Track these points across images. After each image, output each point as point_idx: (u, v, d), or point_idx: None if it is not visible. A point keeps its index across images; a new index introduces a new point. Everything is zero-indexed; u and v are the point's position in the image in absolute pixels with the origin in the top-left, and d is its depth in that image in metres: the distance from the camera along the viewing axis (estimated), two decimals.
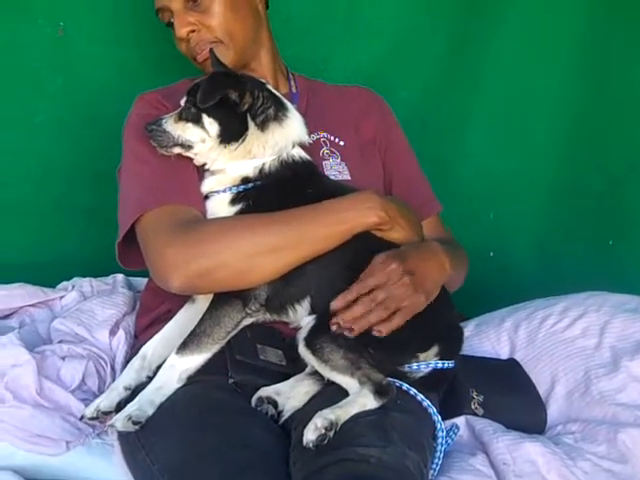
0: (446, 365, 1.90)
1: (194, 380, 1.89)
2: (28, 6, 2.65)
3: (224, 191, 1.96)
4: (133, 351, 2.18)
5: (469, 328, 2.41)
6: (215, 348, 1.88)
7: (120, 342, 2.21)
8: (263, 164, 1.95)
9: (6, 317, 2.34)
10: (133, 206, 1.97)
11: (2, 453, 1.92)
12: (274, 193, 1.95)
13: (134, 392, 1.91)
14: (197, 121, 1.93)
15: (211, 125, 1.92)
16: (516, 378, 2.19)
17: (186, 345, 1.86)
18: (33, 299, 2.38)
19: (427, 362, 1.88)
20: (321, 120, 2.27)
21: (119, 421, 1.79)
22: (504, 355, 2.32)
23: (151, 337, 2.11)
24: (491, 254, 3.07)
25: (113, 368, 2.16)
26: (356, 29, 2.90)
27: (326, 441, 1.66)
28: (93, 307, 2.29)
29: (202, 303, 1.97)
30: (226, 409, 1.84)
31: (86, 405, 2.00)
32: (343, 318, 1.82)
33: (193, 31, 2.16)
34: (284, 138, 1.98)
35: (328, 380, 1.86)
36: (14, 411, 1.94)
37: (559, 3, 2.89)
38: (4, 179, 2.73)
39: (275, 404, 1.89)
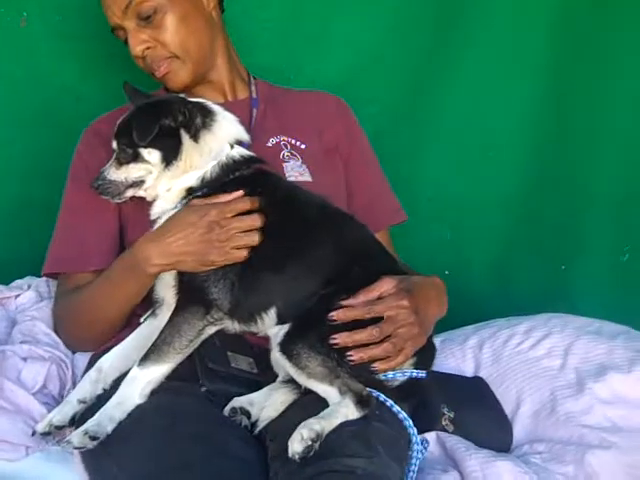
0: (420, 375, 1.88)
1: (162, 387, 1.83)
2: None
3: (175, 207, 1.94)
4: (92, 357, 2.10)
5: None
6: (177, 358, 1.83)
7: None
8: (204, 172, 1.94)
9: None
10: (50, 260, 2.19)
11: None
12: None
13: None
14: (136, 158, 1.92)
15: (151, 155, 1.92)
16: (483, 396, 2.20)
17: (147, 356, 1.82)
18: None
19: (403, 371, 1.87)
20: (282, 124, 2.28)
21: (76, 437, 1.74)
22: (469, 372, 2.33)
23: (110, 344, 2.06)
24: (446, 272, 3.07)
25: (74, 372, 2.09)
26: (327, 41, 2.88)
27: (312, 452, 1.62)
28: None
29: (163, 318, 1.93)
30: (199, 418, 1.80)
31: (48, 410, 1.94)
32: (344, 340, 1.78)
33: (148, 48, 2.16)
34: (217, 142, 1.96)
35: (305, 389, 1.83)
36: None
37: (526, 23, 2.91)
38: None
39: (248, 414, 1.85)
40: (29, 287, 2.36)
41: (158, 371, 1.81)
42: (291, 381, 1.86)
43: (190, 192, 1.94)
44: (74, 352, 2.14)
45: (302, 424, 1.66)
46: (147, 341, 1.89)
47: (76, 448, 1.75)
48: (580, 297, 3.00)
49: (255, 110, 2.27)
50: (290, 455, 1.62)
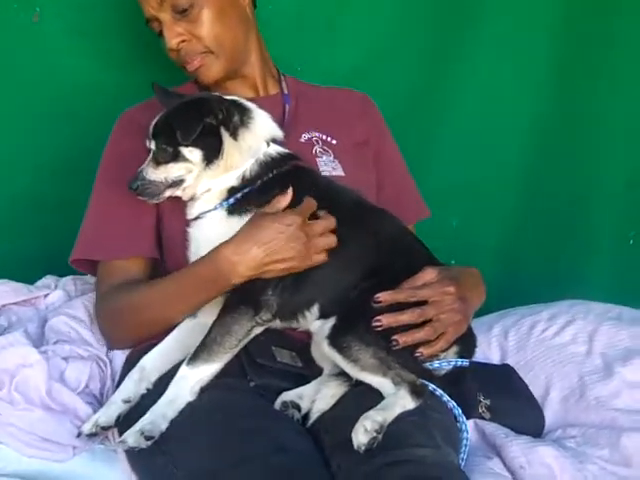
0: (464, 363, 1.92)
1: (212, 384, 1.83)
2: None
3: (215, 208, 1.94)
4: (130, 355, 2.10)
5: None
6: (227, 357, 1.82)
7: None
8: (244, 171, 1.94)
9: None
10: (83, 244, 2.14)
11: (8, 457, 1.84)
12: (264, 194, 1.93)
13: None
14: (177, 157, 1.90)
15: (192, 153, 1.90)
16: (514, 383, 2.23)
17: (197, 355, 1.81)
18: (18, 297, 2.25)
19: (448, 360, 1.91)
20: (313, 120, 2.29)
21: (131, 437, 1.72)
22: (495, 360, 2.37)
23: (147, 343, 2.05)
24: (452, 261, 3.10)
25: (112, 370, 2.08)
26: (336, 33, 2.90)
27: (375, 444, 1.64)
28: (86, 304, 2.21)
29: (203, 317, 1.94)
30: (252, 413, 1.81)
31: (93, 409, 1.94)
32: (387, 320, 1.81)
33: (183, 41, 2.14)
34: (255, 140, 1.96)
35: (356, 381, 1.85)
36: (24, 414, 1.85)
37: (534, 20, 2.97)
38: None
39: (299, 408, 1.87)
40: (56, 286, 2.36)
41: (208, 370, 1.81)
42: (341, 374, 1.88)
43: (232, 192, 1.93)
44: (111, 349, 2.13)
45: (363, 416, 1.68)
46: (188, 340, 1.89)
47: (131, 448, 1.73)
48: (589, 285, 3.05)
49: (287, 106, 2.28)
50: (355, 447, 1.64)
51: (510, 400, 2.17)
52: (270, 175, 1.94)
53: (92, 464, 1.91)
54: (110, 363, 2.09)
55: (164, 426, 1.75)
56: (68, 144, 2.66)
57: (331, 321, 1.87)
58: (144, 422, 1.74)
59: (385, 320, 1.81)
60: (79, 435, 1.84)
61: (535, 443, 1.99)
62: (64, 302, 2.27)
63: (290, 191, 1.89)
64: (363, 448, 1.64)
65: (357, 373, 1.82)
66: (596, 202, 3.10)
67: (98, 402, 2.02)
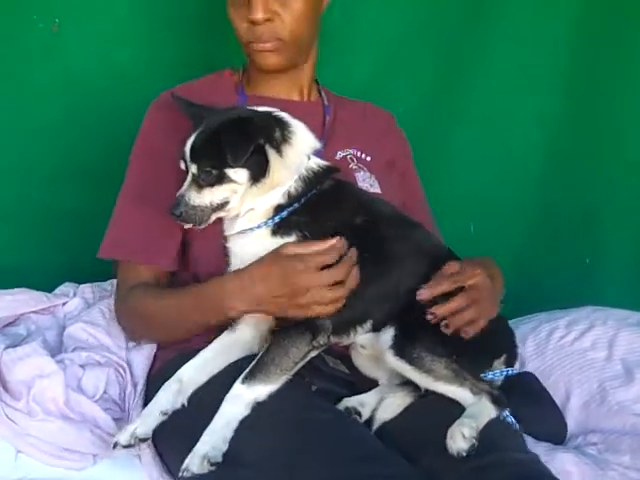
0: (514, 372, 1.96)
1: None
2: (24, 0, 2.55)
3: (259, 227, 1.88)
4: (156, 367, 2.10)
5: None
6: (282, 379, 1.77)
7: (138, 350, 2.12)
8: (288, 188, 1.88)
9: (11, 324, 2.21)
10: (110, 243, 2.12)
11: (29, 466, 1.84)
12: (309, 212, 1.89)
13: None
14: (222, 179, 1.81)
15: (237, 174, 1.82)
16: (535, 390, 2.21)
17: (253, 374, 1.76)
18: (37, 305, 2.25)
19: (500, 370, 1.93)
20: (348, 135, 2.25)
21: (195, 464, 1.65)
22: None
23: (171, 350, 2.06)
24: None
25: (133, 375, 2.07)
26: (350, 42, 2.88)
27: (474, 450, 1.68)
28: (104, 310, 2.20)
29: (242, 332, 1.91)
30: (320, 408, 1.81)
31: (112, 415, 1.94)
32: (440, 311, 1.83)
33: (269, 19, 2.08)
34: (298, 155, 1.90)
35: (426, 391, 1.86)
36: (42, 425, 1.84)
37: (547, 23, 2.96)
38: None
39: (360, 415, 1.89)
40: (74, 294, 2.36)
41: (264, 390, 1.76)
42: (406, 384, 1.89)
43: (278, 210, 1.87)
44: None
45: (457, 423, 1.72)
46: (225, 354, 1.87)
47: (195, 475, 1.66)
48: (606, 289, 3.04)
49: (328, 117, 2.25)
50: (454, 453, 1.68)
51: (532, 408, 2.13)
52: (314, 191, 1.89)
53: (113, 471, 1.90)
54: (129, 368, 2.09)
55: (225, 448, 1.69)
56: (86, 153, 2.67)
57: (389, 332, 1.86)
58: (206, 447, 1.68)
59: (438, 311, 1.82)
60: (115, 446, 1.76)
61: (556, 450, 2.00)
62: (82, 309, 2.27)
63: (332, 242, 1.82)
64: (464, 454, 1.67)
65: (431, 383, 1.82)
66: (616, 207, 3.07)
67: (119, 408, 2.02)
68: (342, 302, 1.82)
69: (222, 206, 1.85)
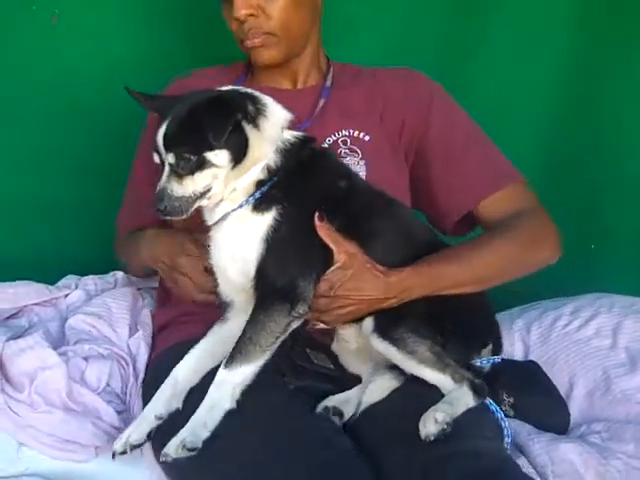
0: (497, 360, 1.94)
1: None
2: None
3: (240, 206, 1.82)
4: (153, 356, 2.12)
5: None
6: (265, 356, 1.75)
7: (140, 343, 2.14)
8: (267, 162, 1.82)
9: (13, 316, 2.23)
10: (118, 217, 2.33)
11: (31, 459, 1.85)
12: (289, 185, 1.83)
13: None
14: (202, 164, 1.74)
15: (218, 157, 1.74)
16: (538, 379, 2.19)
17: (233, 357, 1.74)
18: (40, 297, 2.27)
19: (487, 358, 1.91)
20: (347, 116, 2.18)
21: (172, 449, 1.66)
22: (518, 356, 2.35)
23: (169, 338, 2.07)
24: None
25: (135, 368, 2.09)
26: (352, 32, 2.85)
27: (442, 436, 1.67)
28: (107, 301, 2.22)
29: (234, 321, 1.89)
30: (296, 411, 1.81)
31: (114, 407, 1.96)
32: None
33: (252, 15, 2.05)
34: (274, 127, 1.83)
35: (410, 376, 1.84)
36: (44, 416, 1.86)
37: (547, 13, 2.92)
38: None
39: (341, 414, 1.86)
40: (76, 286, 2.37)
41: (246, 371, 1.74)
42: (391, 368, 1.87)
43: (259, 185, 1.82)
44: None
45: (432, 408, 1.71)
46: (218, 348, 1.86)
47: (173, 460, 1.66)
48: (611, 276, 3.02)
49: (323, 100, 2.18)
50: (423, 437, 1.67)
51: (534, 397, 2.13)
52: (292, 163, 1.84)
53: (115, 464, 1.87)
54: (133, 361, 2.10)
55: (205, 435, 1.68)
56: (86, 145, 2.68)
57: (370, 318, 1.85)
58: (185, 433, 1.68)
59: None
60: (113, 455, 1.77)
61: (558, 440, 1.98)
62: (84, 301, 2.28)
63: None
64: (432, 438, 1.66)
65: (414, 367, 1.80)
66: (619, 193, 3.04)
67: (121, 400, 2.03)
68: None
69: (204, 194, 1.77)
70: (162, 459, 1.67)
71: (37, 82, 2.64)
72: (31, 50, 2.60)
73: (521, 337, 2.38)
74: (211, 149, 1.73)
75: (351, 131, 2.17)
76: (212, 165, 1.75)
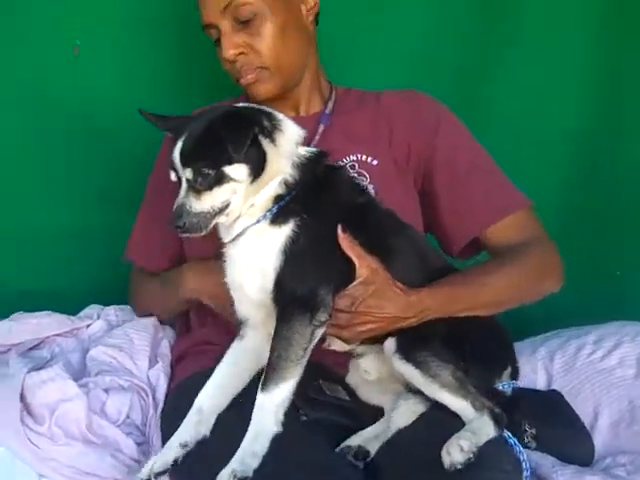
0: (518, 385, 1.92)
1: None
2: (45, 23, 2.58)
3: (258, 221, 1.81)
4: (172, 386, 2.12)
5: None
6: (298, 370, 1.72)
7: (160, 374, 2.14)
8: (284, 177, 1.81)
9: (35, 347, 2.24)
10: (127, 247, 2.35)
11: None
12: (310, 197, 1.83)
13: None
14: (221, 179, 1.73)
15: (236, 171, 1.74)
16: (562, 410, 2.18)
17: (268, 379, 1.71)
18: (61, 328, 2.28)
19: (508, 382, 1.89)
20: (352, 141, 2.17)
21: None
22: (541, 385, 2.32)
23: (188, 368, 2.07)
24: None
25: (155, 399, 2.09)
26: (370, 50, 2.85)
27: (467, 465, 1.64)
28: (128, 332, 2.22)
29: (250, 338, 1.89)
30: (308, 445, 1.77)
31: (134, 440, 1.96)
32: None
33: (241, 53, 2.07)
34: (289, 142, 1.83)
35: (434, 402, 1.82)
36: (65, 449, 1.87)
37: (566, 37, 2.90)
38: (15, 203, 2.66)
39: (367, 453, 1.82)
40: (98, 316, 2.38)
41: (284, 390, 1.71)
42: (415, 393, 1.85)
43: (277, 200, 1.80)
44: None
45: (456, 436, 1.68)
46: (240, 365, 1.85)
47: None
48: (636, 303, 2.97)
49: (322, 126, 2.18)
50: (447, 465, 1.64)
51: (557, 429, 2.11)
52: (309, 177, 1.83)
53: None
54: (152, 392, 2.10)
55: (255, 464, 1.64)
56: (108, 175, 2.69)
57: (392, 339, 1.83)
58: (235, 463, 1.64)
59: None
60: None
61: (582, 473, 1.95)
62: (106, 332, 2.29)
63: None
64: (459, 467, 1.64)
65: (435, 391, 1.78)
66: None
67: (141, 432, 2.03)
68: None
69: (223, 209, 1.76)
70: None
71: (60, 113, 2.65)
72: (53, 81, 2.62)
73: (544, 366, 2.35)
74: (230, 163, 1.72)
75: (359, 156, 2.16)
76: (231, 179, 1.74)
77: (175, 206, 1.75)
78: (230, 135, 1.71)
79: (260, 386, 1.72)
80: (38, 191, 2.68)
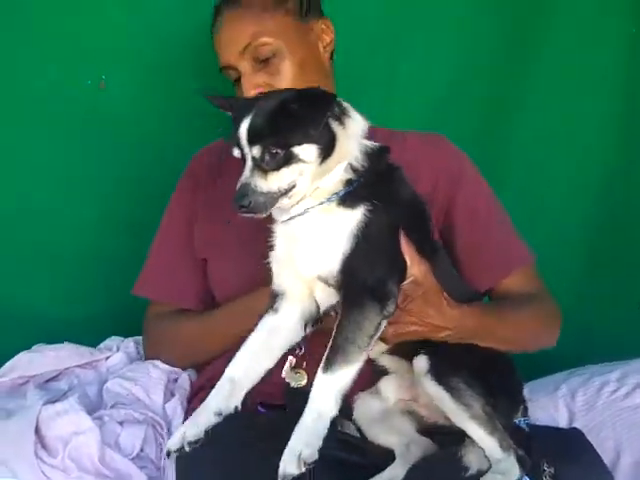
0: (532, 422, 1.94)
1: (269, 450, 1.72)
2: (71, 58, 2.63)
3: (321, 203, 1.76)
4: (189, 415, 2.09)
5: None
6: (362, 357, 1.69)
7: (176, 408, 2.14)
8: (349, 162, 1.76)
9: (53, 378, 2.25)
10: (141, 283, 2.32)
11: None
12: (380, 185, 1.80)
13: None
14: (289, 159, 1.68)
15: (306, 151, 1.68)
16: (582, 449, 2.11)
17: (332, 360, 1.67)
18: (81, 360, 2.28)
19: (523, 419, 1.90)
20: None
21: (291, 465, 1.57)
22: (562, 423, 2.29)
23: (204, 399, 2.05)
24: None
25: (170, 432, 2.08)
26: (394, 85, 2.88)
27: None
28: (147, 365, 2.23)
29: (284, 312, 1.84)
30: None
31: (147, 473, 1.95)
32: None
33: (261, 93, 2.06)
34: (357, 126, 1.79)
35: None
36: None
37: (594, 55, 2.91)
38: (41, 234, 2.68)
39: None
40: (118, 349, 2.38)
41: (347, 374, 1.67)
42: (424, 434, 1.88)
43: (347, 184, 1.76)
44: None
45: (487, 478, 1.70)
46: (272, 339, 1.82)
47: (292, 476, 1.57)
48: None
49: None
50: None
51: (578, 468, 2.03)
52: (375, 166, 1.79)
53: None
54: (168, 425, 2.10)
55: (319, 445, 1.59)
56: (132, 206, 2.73)
57: (423, 358, 1.82)
58: (299, 446, 1.58)
59: None
60: (169, 455, 1.69)
61: None
62: (125, 364, 2.30)
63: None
64: None
65: (464, 420, 1.77)
66: None
67: (155, 466, 2.03)
68: None
69: (288, 190, 1.71)
70: (284, 478, 1.58)
71: (89, 147, 2.69)
72: (80, 115, 2.66)
73: (565, 403, 2.32)
74: (299, 143, 1.67)
75: None
76: (299, 160, 1.69)
77: (239, 185, 1.70)
78: (307, 112, 1.67)
79: (322, 366, 1.68)
80: (62, 224, 2.71)
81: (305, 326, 1.85)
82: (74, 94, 2.64)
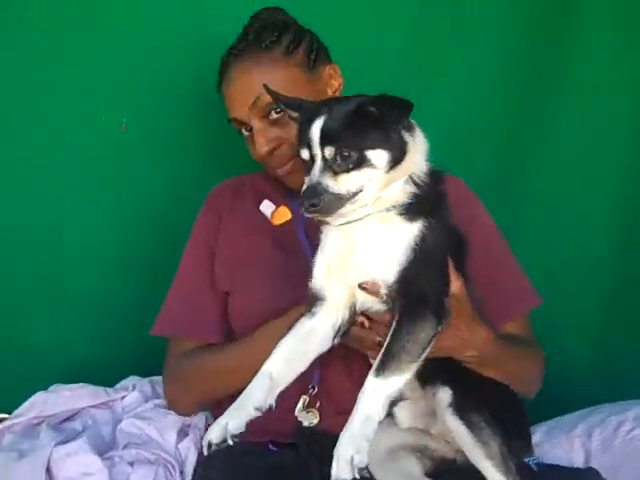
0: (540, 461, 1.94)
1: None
2: (92, 102, 2.67)
3: (380, 212, 1.76)
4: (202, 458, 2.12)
5: (538, 434, 2.37)
6: (413, 368, 1.69)
7: (190, 447, 2.15)
8: (412, 175, 1.77)
9: (68, 419, 2.28)
10: (163, 321, 2.31)
11: None
12: (437, 203, 1.82)
13: None
14: (361, 163, 1.68)
15: (378, 156, 1.69)
16: None
17: (385, 365, 1.66)
18: (96, 400, 2.32)
19: (532, 458, 1.91)
20: None
21: (343, 471, 1.55)
22: (578, 463, 2.27)
23: None
24: (556, 352, 2.95)
25: (183, 473, 2.10)
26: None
27: None
28: (159, 405, 2.27)
29: (321, 317, 1.83)
30: None
31: None
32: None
33: (274, 148, 2.12)
34: (423, 141, 1.80)
35: None
36: None
37: (605, 126, 2.91)
38: (62, 274, 2.74)
39: None
40: (134, 388, 2.41)
41: (398, 382, 1.67)
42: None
43: (410, 196, 1.76)
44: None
45: None
46: (308, 343, 1.82)
47: None
48: None
49: None
50: None
51: None
52: (434, 184, 1.81)
53: None
54: (181, 465, 2.12)
55: (367, 448, 1.58)
56: (150, 248, 2.77)
57: (445, 390, 1.82)
58: (350, 451, 1.57)
59: None
60: (210, 447, 1.66)
61: None
62: (140, 404, 2.32)
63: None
64: None
65: (479, 457, 1.77)
66: None
67: None
68: None
69: (355, 195, 1.70)
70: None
71: (109, 189, 2.74)
72: (102, 159, 2.70)
73: (582, 443, 2.30)
74: (373, 147, 1.68)
75: None
76: (370, 165, 1.69)
77: (307, 184, 1.70)
78: (384, 116, 1.68)
79: (374, 369, 1.67)
80: (81, 260, 2.76)
81: (333, 337, 1.85)
82: (94, 138, 2.69)
